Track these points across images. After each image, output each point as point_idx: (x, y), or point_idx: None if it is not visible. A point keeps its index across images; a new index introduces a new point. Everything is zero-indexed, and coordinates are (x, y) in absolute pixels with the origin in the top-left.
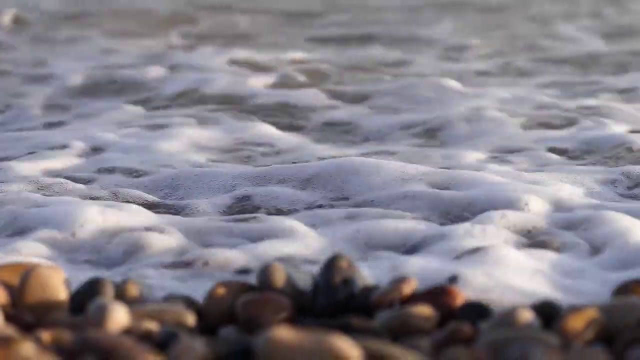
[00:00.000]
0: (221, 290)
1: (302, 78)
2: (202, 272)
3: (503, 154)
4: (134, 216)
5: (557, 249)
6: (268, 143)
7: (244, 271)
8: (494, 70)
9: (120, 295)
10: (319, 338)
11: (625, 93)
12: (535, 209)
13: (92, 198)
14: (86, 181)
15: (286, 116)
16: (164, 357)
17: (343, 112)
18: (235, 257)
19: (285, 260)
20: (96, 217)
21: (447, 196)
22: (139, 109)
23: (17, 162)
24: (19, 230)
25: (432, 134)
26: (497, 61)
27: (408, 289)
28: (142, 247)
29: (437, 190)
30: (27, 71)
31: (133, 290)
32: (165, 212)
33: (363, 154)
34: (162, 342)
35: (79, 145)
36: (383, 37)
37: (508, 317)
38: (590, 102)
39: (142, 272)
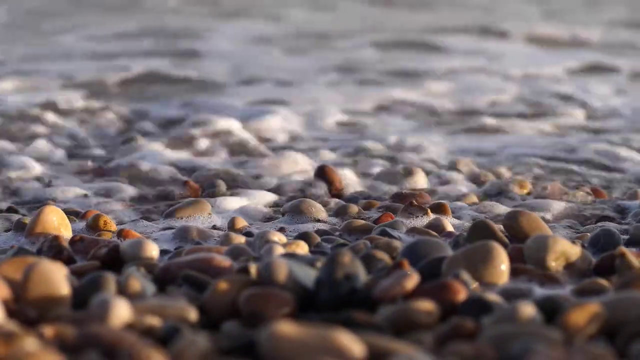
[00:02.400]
0: (224, 285)
1: None
2: None
3: None
4: None
5: None
6: None
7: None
8: None
9: (123, 290)
10: (321, 333)
11: None
12: None
13: None
14: None
15: None
16: (166, 352)
17: None
18: None
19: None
20: None
21: None
22: None
23: None
24: None
25: None
26: None
27: (410, 284)
28: None
29: None
30: None
31: (135, 286)
32: None
33: None
34: (165, 337)
35: None
36: None
37: (511, 313)
38: None
39: None
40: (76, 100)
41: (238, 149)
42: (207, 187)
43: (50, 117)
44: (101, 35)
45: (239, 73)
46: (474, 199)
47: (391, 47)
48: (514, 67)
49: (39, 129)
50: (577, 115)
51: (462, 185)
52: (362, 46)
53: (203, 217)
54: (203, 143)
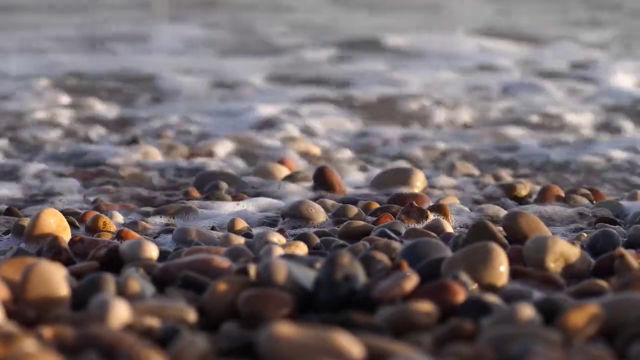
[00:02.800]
0: (223, 286)
1: None
2: None
3: None
4: None
5: None
6: None
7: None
8: None
9: (122, 291)
10: (320, 334)
11: None
12: None
13: None
14: None
15: None
16: (165, 353)
17: None
18: None
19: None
20: None
21: None
22: None
23: None
24: None
25: None
26: None
27: (409, 285)
28: None
29: None
30: None
31: (134, 287)
32: None
33: None
34: (164, 338)
35: None
36: None
37: (510, 314)
38: None
39: None
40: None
41: (239, 152)
42: (209, 189)
43: (41, 114)
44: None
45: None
46: (455, 200)
47: (344, 47)
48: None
49: (34, 129)
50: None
51: (460, 188)
52: (315, 47)
53: (191, 217)
54: (204, 145)
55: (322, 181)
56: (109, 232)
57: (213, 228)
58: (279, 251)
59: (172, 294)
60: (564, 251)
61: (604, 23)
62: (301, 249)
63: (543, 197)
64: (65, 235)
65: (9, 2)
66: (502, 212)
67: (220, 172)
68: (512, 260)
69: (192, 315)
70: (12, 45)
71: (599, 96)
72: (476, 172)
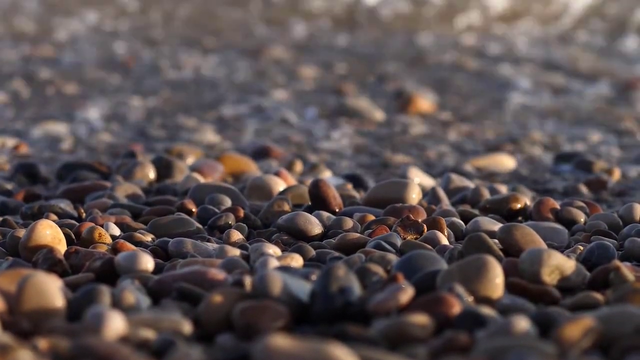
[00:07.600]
0: (218, 298)
1: None
2: None
3: None
4: None
5: None
6: None
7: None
8: None
9: (117, 303)
10: (316, 346)
11: None
12: None
13: None
14: None
15: None
16: None
17: None
18: None
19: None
20: None
21: None
22: None
23: None
24: None
25: None
26: None
27: (405, 297)
28: None
29: None
30: None
31: (129, 298)
32: None
33: None
34: (159, 350)
35: None
36: None
37: (505, 326)
38: None
39: None
40: None
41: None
42: (208, 201)
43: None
44: None
45: None
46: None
47: None
48: None
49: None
50: None
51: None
52: None
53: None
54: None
55: (317, 194)
56: (105, 243)
57: (209, 240)
58: (274, 263)
59: (168, 306)
60: (559, 264)
61: None
62: (296, 261)
63: (538, 210)
64: (61, 246)
65: None
66: (497, 225)
67: (217, 185)
68: (508, 273)
69: (187, 327)
70: None
71: None
72: (470, 184)
